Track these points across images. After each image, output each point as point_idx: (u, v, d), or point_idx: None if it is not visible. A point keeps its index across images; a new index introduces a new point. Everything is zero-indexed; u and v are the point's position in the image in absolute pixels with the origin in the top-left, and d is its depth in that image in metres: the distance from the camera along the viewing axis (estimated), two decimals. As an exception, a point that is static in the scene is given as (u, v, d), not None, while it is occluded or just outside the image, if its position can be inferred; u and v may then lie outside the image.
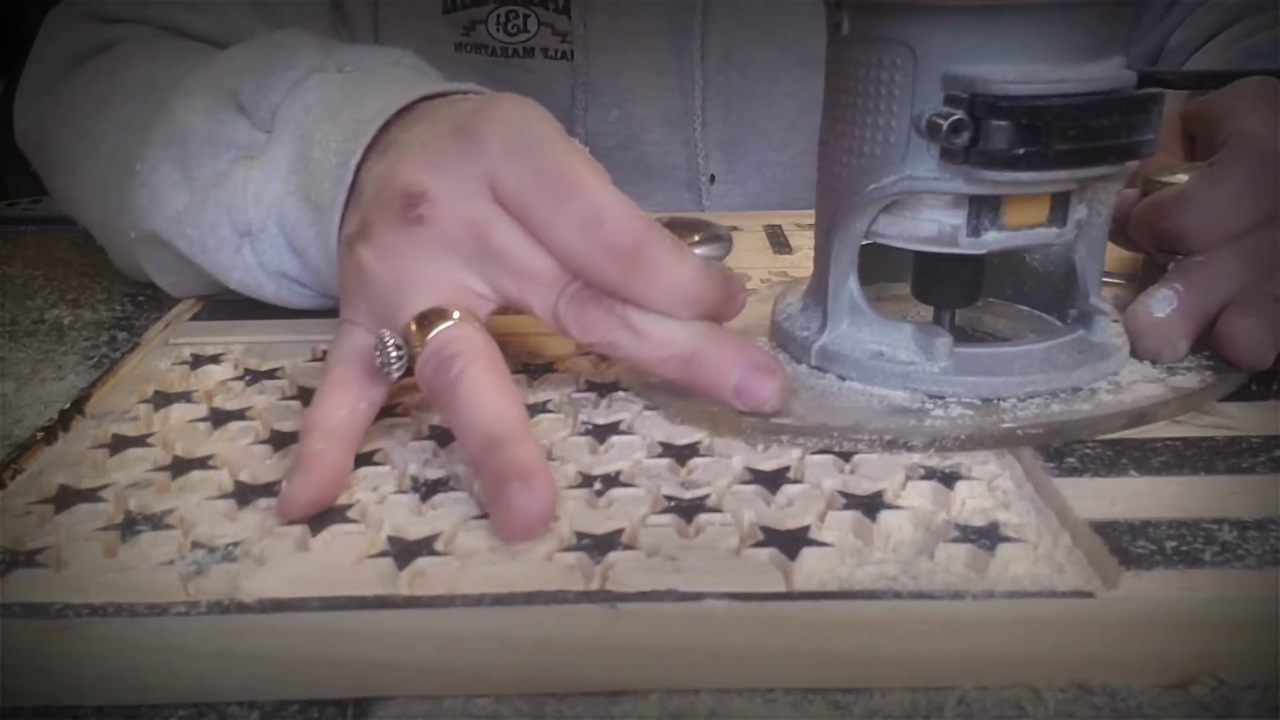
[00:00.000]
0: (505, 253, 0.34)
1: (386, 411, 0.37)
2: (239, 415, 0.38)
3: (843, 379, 0.38)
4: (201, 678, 0.27)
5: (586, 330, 0.34)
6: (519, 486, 0.29)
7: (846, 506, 0.31)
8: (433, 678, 0.27)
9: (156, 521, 0.31)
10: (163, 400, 0.39)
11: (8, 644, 0.27)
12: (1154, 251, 0.42)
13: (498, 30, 0.69)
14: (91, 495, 0.32)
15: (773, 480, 0.32)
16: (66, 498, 0.32)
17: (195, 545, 0.30)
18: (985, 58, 0.33)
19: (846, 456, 0.34)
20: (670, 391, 0.37)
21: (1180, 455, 0.33)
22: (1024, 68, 0.33)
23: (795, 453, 0.34)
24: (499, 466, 0.30)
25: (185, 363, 0.43)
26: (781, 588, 0.27)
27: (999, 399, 0.36)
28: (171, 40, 0.59)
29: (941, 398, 0.36)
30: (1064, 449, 0.34)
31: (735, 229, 0.60)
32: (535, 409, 0.37)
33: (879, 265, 0.40)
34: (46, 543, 0.30)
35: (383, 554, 0.29)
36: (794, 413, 0.35)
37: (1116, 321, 0.39)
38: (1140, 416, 0.35)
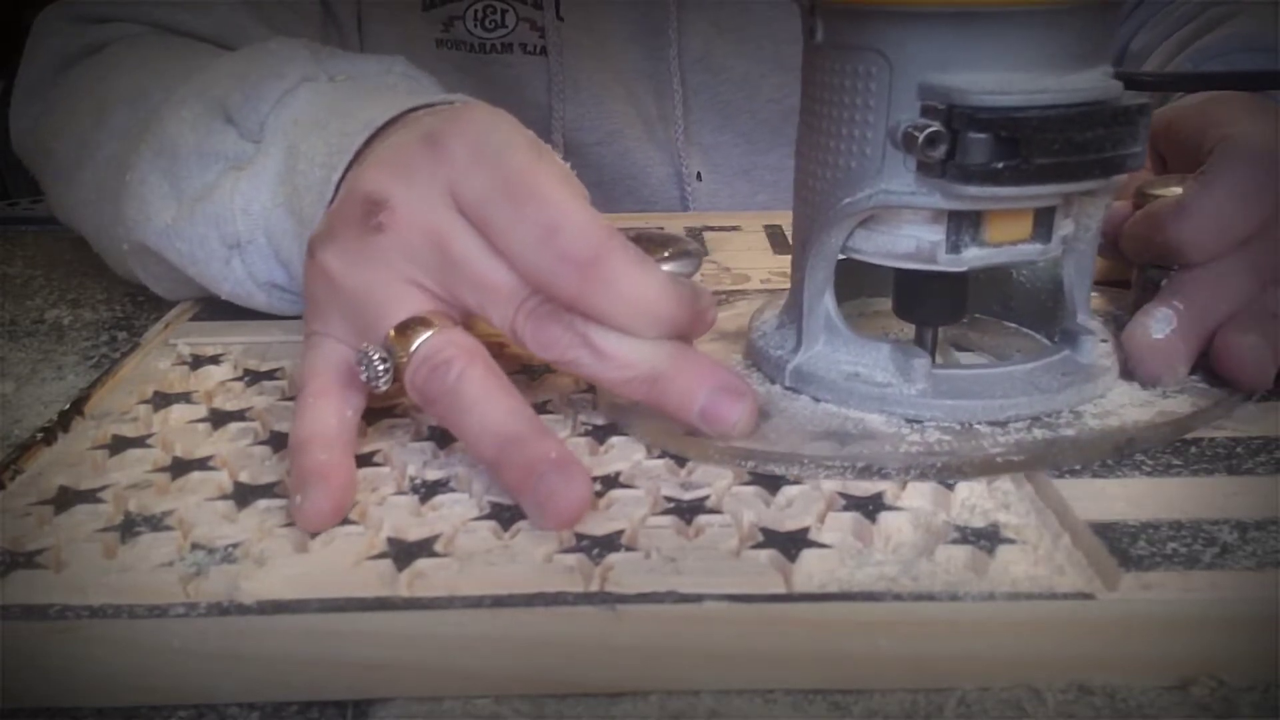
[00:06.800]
0: (464, 263, 0.33)
1: (386, 412, 0.37)
2: (238, 416, 0.38)
3: (817, 401, 0.36)
4: (201, 679, 0.27)
5: (545, 347, 0.33)
6: (558, 478, 0.29)
7: (846, 508, 0.31)
8: (433, 678, 0.27)
9: (156, 523, 0.31)
10: (162, 401, 0.39)
11: (8, 644, 0.27)
12: (1148, 267, 0.40)
13: (475, 26, 0.69)
14: (91, 496, 0.32)
15: (772, 482, 0.32)
16: (66, 498, 0.32)
17: (195, 546, 0.30)
18: (963, 66, 0.32)
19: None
20: (636, 411, 0.35)
21: (1180, 456, 0.33)
22: (1003, 77, 0.32)
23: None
24: (527, 461, 0.30)
25: (185, 363, 0.43)
26: (781, 589, 0.27)
27: (979, 423, 0.34)
28: (162, 39, 0.59)
29: (919, 421, 0.34)
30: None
31: (735, 228, 0.61)
32: (535, 409, 0.37)
33: (861, 279, 0.38)
34: (46, 544, 0.30)
35: (382, 555, 0.29)
36: (764, 437, 0.33)
37: (1105, 341, 0.38)
38: (1127, 443, 0.33)
